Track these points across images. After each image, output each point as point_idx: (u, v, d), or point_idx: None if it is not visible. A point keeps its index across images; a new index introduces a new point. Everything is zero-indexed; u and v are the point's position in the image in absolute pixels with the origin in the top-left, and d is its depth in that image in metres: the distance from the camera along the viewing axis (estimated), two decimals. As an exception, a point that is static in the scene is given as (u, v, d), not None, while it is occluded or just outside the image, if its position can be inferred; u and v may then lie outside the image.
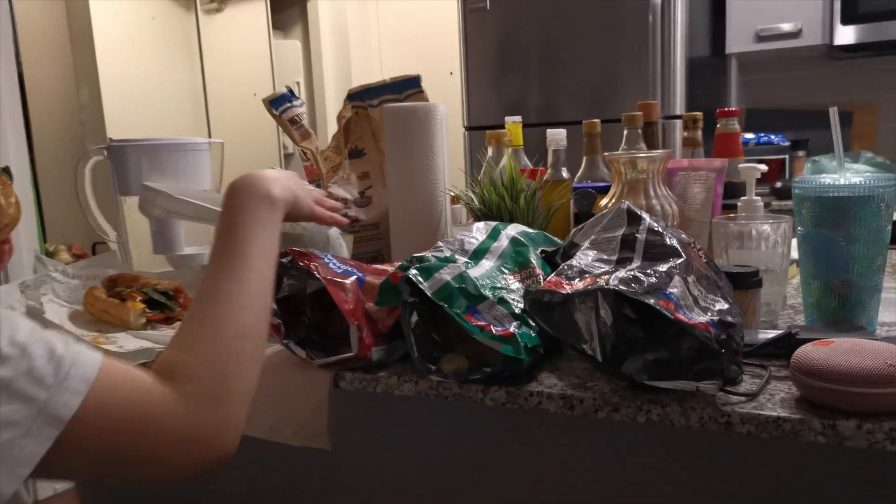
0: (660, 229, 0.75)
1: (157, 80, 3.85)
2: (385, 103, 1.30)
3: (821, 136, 2.94)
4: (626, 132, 1.34)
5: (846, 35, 2.69)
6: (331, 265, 0.88)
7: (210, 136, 4.13)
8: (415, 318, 0.83)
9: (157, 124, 3.77)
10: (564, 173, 1.27)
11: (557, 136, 1.27)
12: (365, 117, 1.37)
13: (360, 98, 1.36)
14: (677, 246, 0.73)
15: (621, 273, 0.68)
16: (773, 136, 2.86)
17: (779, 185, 2.53)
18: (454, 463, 1.05)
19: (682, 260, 0.71)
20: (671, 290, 0.67)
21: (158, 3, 3.89)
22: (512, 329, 0.80)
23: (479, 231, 0.97)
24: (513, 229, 0.98)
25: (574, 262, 0.76)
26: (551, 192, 1.23)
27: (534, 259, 0.93)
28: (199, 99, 4.12)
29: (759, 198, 1.08)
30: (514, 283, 0.88)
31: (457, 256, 0.90)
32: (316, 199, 0.95)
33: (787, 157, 2.80)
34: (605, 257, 0.75)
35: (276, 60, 4.08)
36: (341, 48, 4.25)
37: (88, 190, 1.54)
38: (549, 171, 1.26)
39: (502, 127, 1.49)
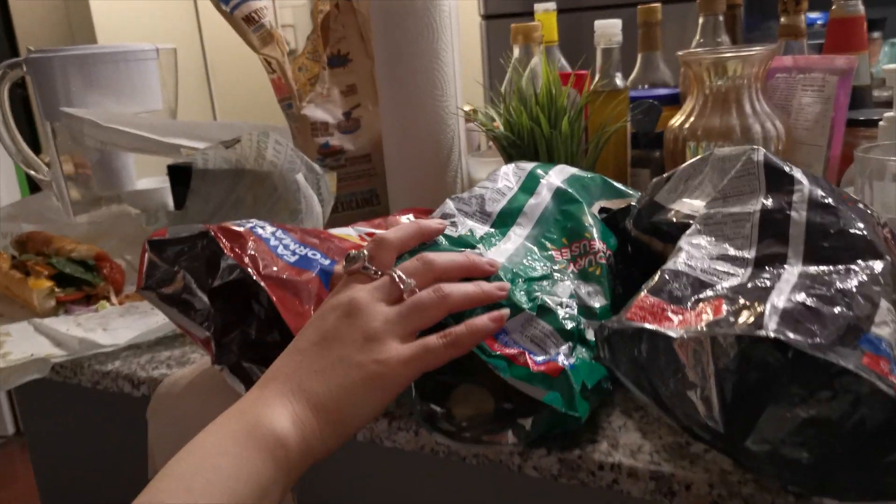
0: (831, 201, 0.43)
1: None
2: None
3: (898, 15, 2.51)
4: (701, 21, 0.99)
5: None
6: (279, 249, 0.57)
7: (202, 44, 3.68)
8: None
9: (151, 33, 3.35)
10: (619, 81, 0.93)
11: (609, 30, 0.92)
12: (349, 11, 1.02)
13: (341, -16, 1.02)
14: (867, 234, 0.41)
15: (779, 298, 0.37)
16: (841, 17, 2.44)
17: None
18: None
19: (883, 264, 0.39)
20: (877, 333, 0.36)
21: None
22: (560, 360, 0.49)
23: (506, 178, 0.65)
24: (557, 175, 0.66)
25: (680, 263, 0.44)
26: (603, 109, 0.89)
27: (590, 223, 0.61)
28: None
29: (912, 114, 0.74)
30: (562, 266, 0.57)
31: (474, 226, 0.59)
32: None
33: (858, 40, 2.39)
34: (734, 252, 0.43)
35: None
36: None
37: (8, 115, 1.22)
38: (598, 78, 0.92)
39: (530, 14, 1.14)
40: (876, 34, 2.44)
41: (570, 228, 0.61)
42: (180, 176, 1.10)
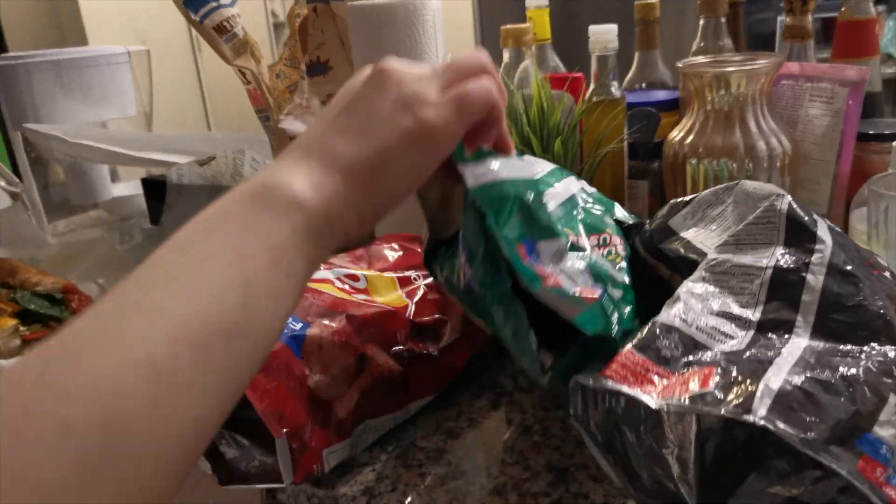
0: (852, 268, 0.38)
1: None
2: (353, -6, 0.89)
3: (903, -12, 2.43)
4: (702, 22, 0.93)
5: None
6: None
7: (193, 41, 3.54)
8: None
9: (141, 31, 3.22)
10: (615, 89, 0.87)
11: (604, 37, 0.87)
12: (327, 15, 0.96)
13: (319, -14, 0.96)
14: (886, 313, 0.36)
15: (776, 378, 0.32)
16: (845, -9, 2.37)
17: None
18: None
19: (896, 351, 0.35)
20: (879, 433, 0.32)
21: None
22: (596, 293, 0.45)
23: (533, 161, 0.59)
24: (576, 182, 0.60)
25: (674, 316, 0.39)
26: (600, 121, 0.84)
27: (610, 223, 0.56)
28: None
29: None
30: (586, 249, 0.52)
31: None
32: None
33: (861, 15, 2.32)
34: (737, 311, 0.38)
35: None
36: None
37: (-24, 124, 1.17)
38: (593, 88, 0.87)
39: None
40: (881, 8, 2.38)
41: (590, 223, 0.55)
42: (155, 190, 1.05)
